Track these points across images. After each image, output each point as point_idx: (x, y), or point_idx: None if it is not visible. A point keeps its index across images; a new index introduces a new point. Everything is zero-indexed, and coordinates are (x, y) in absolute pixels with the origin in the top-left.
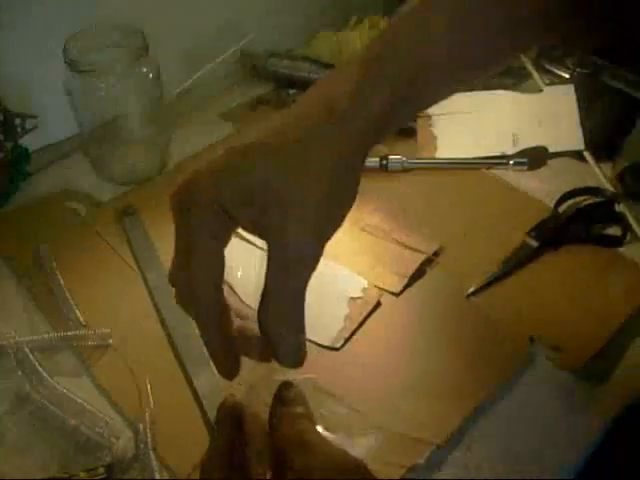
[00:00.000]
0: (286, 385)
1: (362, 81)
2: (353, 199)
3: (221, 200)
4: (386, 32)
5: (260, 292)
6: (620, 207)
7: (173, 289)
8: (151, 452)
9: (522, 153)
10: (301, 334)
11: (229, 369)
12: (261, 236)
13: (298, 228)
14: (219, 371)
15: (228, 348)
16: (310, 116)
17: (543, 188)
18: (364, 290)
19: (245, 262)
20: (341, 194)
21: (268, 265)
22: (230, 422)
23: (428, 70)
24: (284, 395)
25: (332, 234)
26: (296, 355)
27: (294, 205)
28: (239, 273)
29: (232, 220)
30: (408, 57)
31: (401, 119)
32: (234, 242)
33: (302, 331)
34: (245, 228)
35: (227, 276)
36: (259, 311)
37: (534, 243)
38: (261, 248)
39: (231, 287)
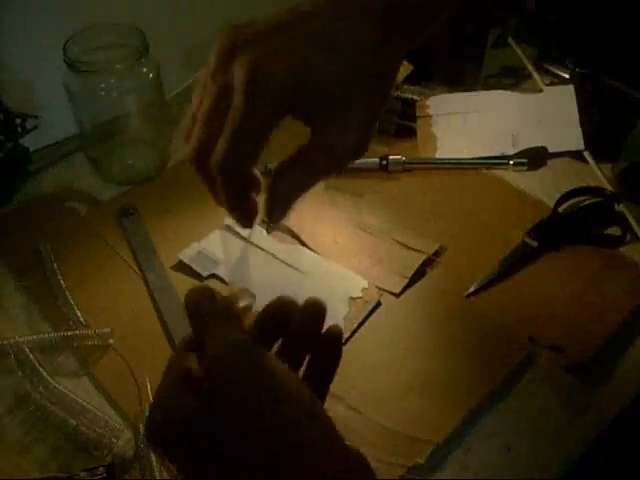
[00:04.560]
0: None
1: None
2: (390, 88)
3: (288, 96)
4: None
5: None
6: (620, 207)
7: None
8: (151, 452)
9: (522, 153)
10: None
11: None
12: (308, 124)
13: (345, 125)
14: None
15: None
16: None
17: (543, 188)
18: (364, 290)
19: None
20: (382, 86)
21: (312, 145)
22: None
23: None
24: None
25: (375, 123)
26: (281, 217)
27: (343, 103)
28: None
29: (287, 109)
30: None
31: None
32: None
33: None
34: (294, 117)
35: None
36: (278, 174)
37: (534, 243)
38: (251, 243)
39: (217, 275)
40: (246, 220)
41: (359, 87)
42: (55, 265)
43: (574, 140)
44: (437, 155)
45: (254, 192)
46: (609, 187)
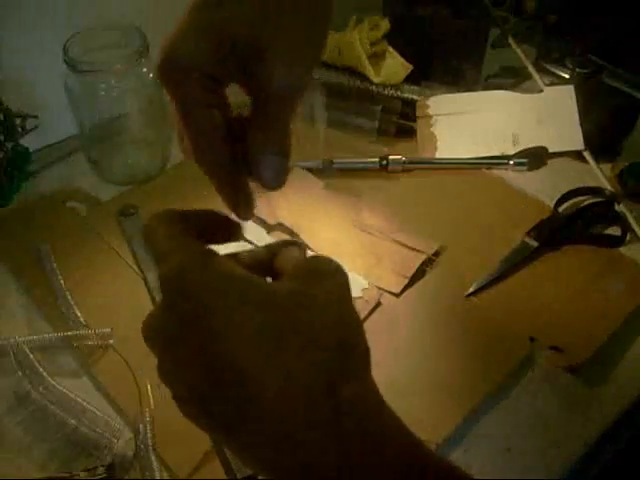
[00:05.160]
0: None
1: None
2: (328, 21)
3: (202, 68)
4: None
5: None
6: (620, 207)
7: None
8: (151, 452)
9: (522, 153)
10: (285, 159)
11: (245, 210)
12: (245, 84)
13: (283, 67)
14: (236, 213)
15: (242, 192)
16: None
17: (543, 188)
18: (364, 290)
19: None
20: (317, 22)
21: (255, 100)
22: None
23: None
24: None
25: (315, 61)
26: (277, 175)
27: (275, 46)
28: None
29: (218, 81)
30: None
31: None
32: None
33: (286, 156)
34: (231, 81)
35: None
36: (248, 138)
37: (534, 243)
38: (251, 243)
39: None
40: (242, 210)
41: (270, 27)
42: (55, 265)
43: (574, 140)
44: (437, 155)
45: (245, 179)
46: (609, 187)
